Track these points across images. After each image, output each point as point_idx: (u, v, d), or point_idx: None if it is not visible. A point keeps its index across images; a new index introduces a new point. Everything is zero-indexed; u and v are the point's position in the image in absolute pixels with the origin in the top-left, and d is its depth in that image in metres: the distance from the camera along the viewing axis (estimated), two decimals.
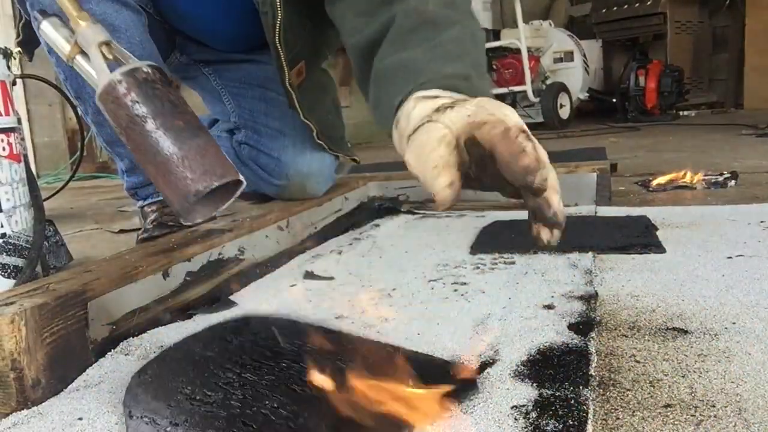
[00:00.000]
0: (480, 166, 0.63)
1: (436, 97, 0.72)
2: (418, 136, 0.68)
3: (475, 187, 0.67)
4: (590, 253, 1.05)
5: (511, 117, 0.62)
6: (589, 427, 0.52)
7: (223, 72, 1.50)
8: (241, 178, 0.64)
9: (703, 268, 0.93)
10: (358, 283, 1.01)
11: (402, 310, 0.86)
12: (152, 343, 0.79)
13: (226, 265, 1.04)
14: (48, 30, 0.69)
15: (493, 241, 1.20)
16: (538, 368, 0.63)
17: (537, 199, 0.62)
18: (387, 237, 1.35)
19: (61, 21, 0.69)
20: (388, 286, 0.98)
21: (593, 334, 0.71)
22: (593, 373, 0.62)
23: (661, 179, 1.75)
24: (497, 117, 0.61)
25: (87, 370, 0.72)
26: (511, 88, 4.82)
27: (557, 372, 0.62)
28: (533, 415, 0.54)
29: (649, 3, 5.06)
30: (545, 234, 0.64)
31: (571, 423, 0.52)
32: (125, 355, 0.76)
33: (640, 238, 1.11)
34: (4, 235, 1.02)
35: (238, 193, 0.65)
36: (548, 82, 4.90)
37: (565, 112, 4.83)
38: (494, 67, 4.90)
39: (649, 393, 0.57)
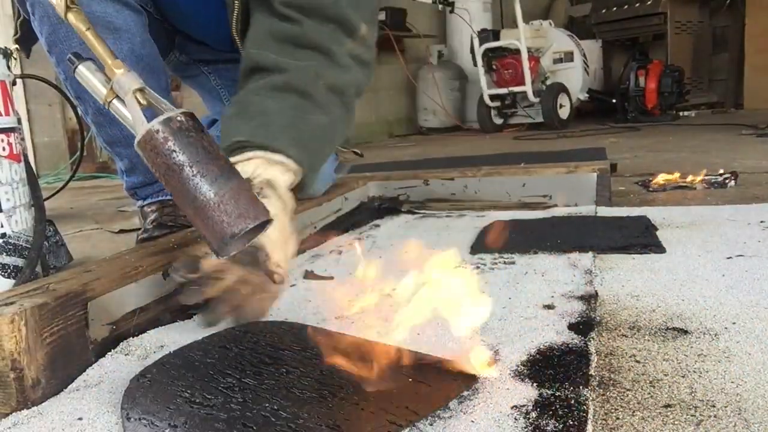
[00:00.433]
0: None
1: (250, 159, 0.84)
2: None
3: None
4: (590, 253, 1.05)
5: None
6: (589, 427, 0.52)
7: (222, 71, 1.50)
8: (271, 216, 0.69)
9: (703, 268, 0.93)
10: (358, 283, 1.01)
11: (402, 310, 0.86)
12: (152, 343, 0.79)
13: None
14: (84, 74, 0.73)
15: (493, 241, 1.20)
16: (538, 368, 0.63)
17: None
18: (387, 237, 1.35)
19: (95, 65, 0.73)
20: (388, 286, 0.98)
21: (593, 334, 0.71)
22: (593, 373, 0.62)
23: (661, 179, 1.75)
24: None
25: (87, 370, 0.72)
26: (511, 88, 4.82)
27: (557, 372, 0.62)
28: (533, 415, 0.54)
29: (649, 3, 5.06)
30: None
31: (571, 423, 0.52)
32: (125, 355, 0.76)
33: (640, 238, 1.11)
34: (4, 235, 1.02)
35: (267, 229, 0.70)
36: (548, 82, 4.89)
37: (565, 113, 4.83)
38: (494, 67, 4.90)
39: (649, 393, 0.57)
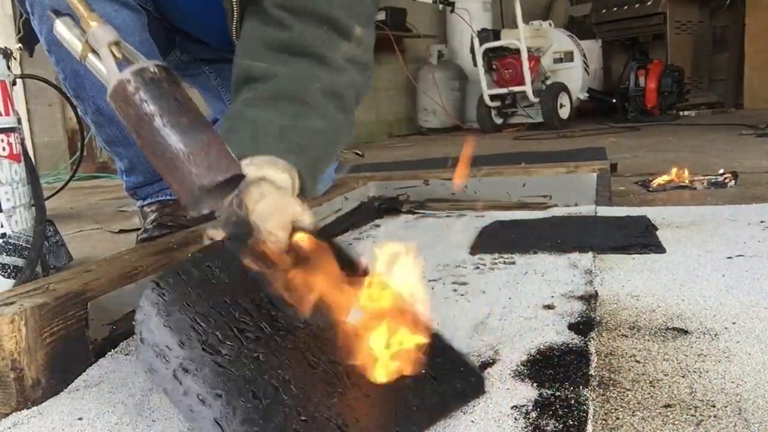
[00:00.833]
0: None
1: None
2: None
3: None
4: (590, 253, 1.05)
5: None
6: (589, 427, 0.52)
7: (223, 71, 1.50)
8: (243, 171, 0.66)
9: (703, 268, 0.93)
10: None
11: None
12: None
13: None
14: (61, 29, 0.71)
15: (493, 241, 1.20)
16: (538, 368, 0.63)
17: None
18: (387, 237, 1.35)
19: (73, 21, 0.71)
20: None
21: (593, 334, 0.71)
22: (593, 373, 0.62)
23: (661, 179, 1.75)
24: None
25: (87, 370, 0.72)
26: (511, 88, 4.82)
27: (557, 372, 0.62)
28: (533, 415, 0.54)
29: (649, 3, 5.06)
30: None
31: (571, 423, 0.52)
32: (125, 355, 0.76)
33: (640, 238, 1.11)
34: (4, 235, 1.02)
35: (241, 184, 0.68)
36: (548, 82, 4.89)
37: (565, 112, 4.83)
38: (494, 67, 4.90)
39: (649, 393, 0.57)
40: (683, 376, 0.60)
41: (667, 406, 0.55)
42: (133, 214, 1.97)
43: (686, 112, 4.87)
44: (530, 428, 0.52)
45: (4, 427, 0.61)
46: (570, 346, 0.68)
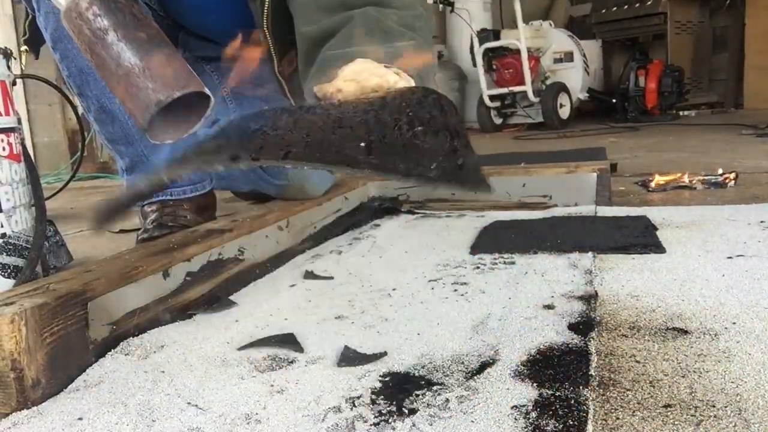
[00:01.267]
0: None
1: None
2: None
3: None
4: (590, 253, 1.05)
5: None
6: (589, 427, 0.52)
7: (225, 71, 1.50)
8: (207, 91, 0.62)
9: (703, 268, 0.93)
10: (358, 283, 1.01)
11: (402, 310, 0.86)
12: (152, 343, 0.79)
13: (226, 265, 1.04)
14: None
15: (493, 241, 1.20)
16: (538, 368, 0.63)
17: None
18: (387, 237, 1.35)
19: None
20: (388, 286, 0.98)
21: (593, 334, 0.71)
22: (593, 373, 0.62)
23: (661, 179, 1.75)
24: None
25: (87, 370, 0.72)
26: (511, 88, 4.82)
27: (557, 372, 0.62)
28: (533, 415, 0.54)
29: (649, 3, 5.06)
30: None
31: (571, 423, 0.52)
32: (125, 355, 0.76)
33: (640, 238, 1.11)
34: (4, 235, 1.02)
35: (208, 113, 0.63)
36: (548, 82, 4.89)
37: (565, 112, 4.83)
38: (494, 67, 4.90)
39: (649, 393, 0.57)
40: (683, 376, 0.60)
41: (667, 406, 0.55)
42: (133, 214, 1.97)
43: (686, 112, 4.87)
44: (530, 428, 0.52)
45: (4, 427, 0.61)
46: (570, 346, 0.68)
